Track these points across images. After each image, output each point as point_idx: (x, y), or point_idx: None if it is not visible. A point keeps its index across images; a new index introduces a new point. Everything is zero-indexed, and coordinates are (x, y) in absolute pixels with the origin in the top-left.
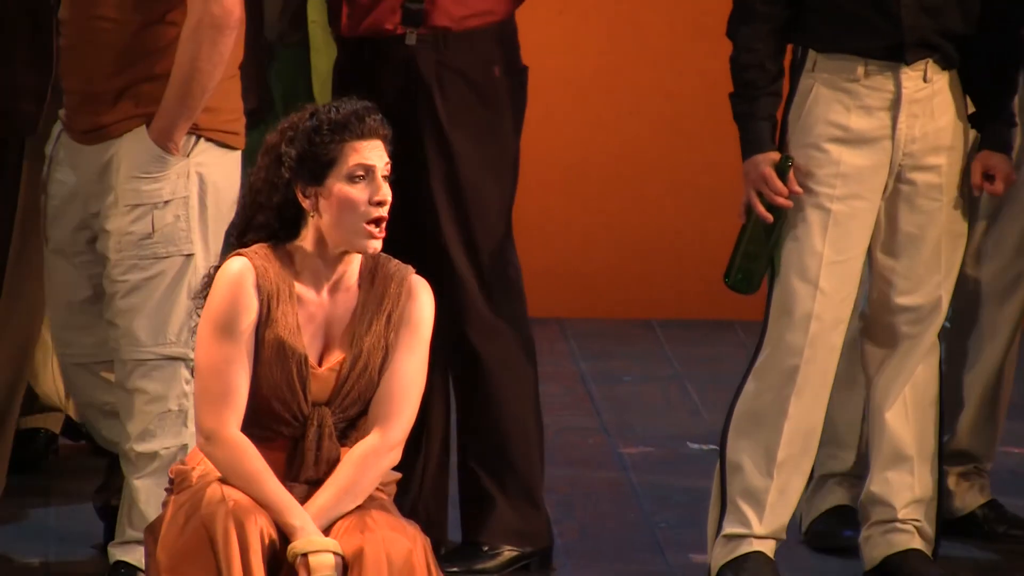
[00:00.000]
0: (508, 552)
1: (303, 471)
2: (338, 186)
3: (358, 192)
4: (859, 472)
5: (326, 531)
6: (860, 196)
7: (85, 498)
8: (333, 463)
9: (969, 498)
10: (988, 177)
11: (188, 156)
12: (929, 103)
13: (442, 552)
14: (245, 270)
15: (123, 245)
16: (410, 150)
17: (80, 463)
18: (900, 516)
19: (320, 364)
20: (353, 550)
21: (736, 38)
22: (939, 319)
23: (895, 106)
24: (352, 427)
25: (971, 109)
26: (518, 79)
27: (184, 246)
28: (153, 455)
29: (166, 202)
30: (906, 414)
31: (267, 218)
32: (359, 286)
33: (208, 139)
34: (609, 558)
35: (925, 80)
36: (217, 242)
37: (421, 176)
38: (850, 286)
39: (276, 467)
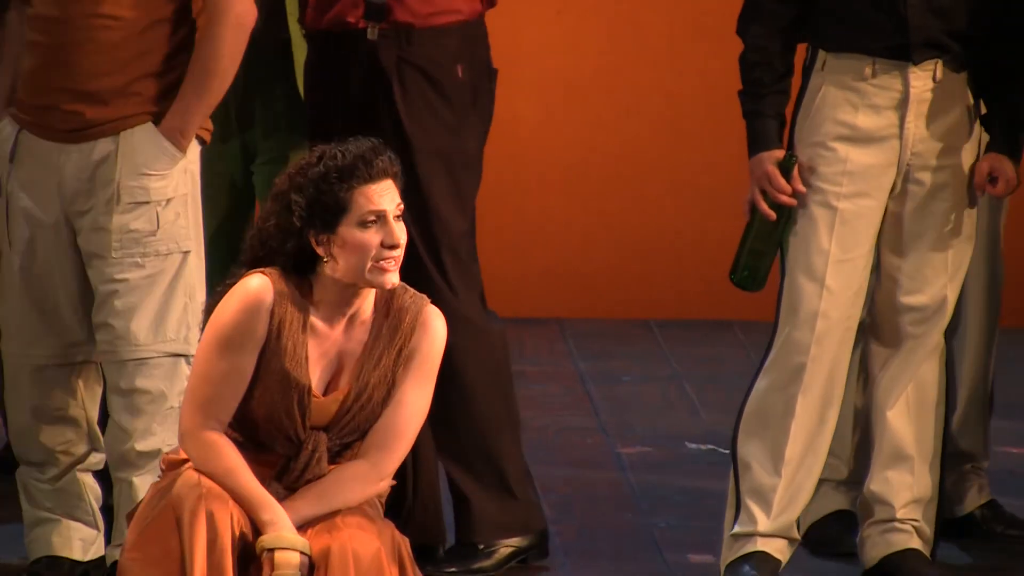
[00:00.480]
0: (504, 548)
1: (286, 480)
2: (350, 232)
3: (371, 237)
4: (856, 479)
5: (299, 530)
6: (867, 194)
7: None
8: (318, 478)
9: (968, 498)
10: (992, 179)
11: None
12: (938, 104)
13: (441, 553)
14: (264, 291)
15: (125, 243)
16: None
17: None
18: (899, 516)
19: (324, 393)
20: (320, 549)
21: (746, 36)
22: (944, 320)
23: (903, 105)
24: (347, 448)
25: (983, 111)
26: (484, 80)
27: (184, 243)
28: (155, 452)
29: (169, 200)
30: (908, 414)
31: (282, 262)
32: (373, 317)
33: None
34: (607, 558)
35: (935, 80)
36: (202, 238)
37: None
38: (857, 284)
39: (262, 475)
